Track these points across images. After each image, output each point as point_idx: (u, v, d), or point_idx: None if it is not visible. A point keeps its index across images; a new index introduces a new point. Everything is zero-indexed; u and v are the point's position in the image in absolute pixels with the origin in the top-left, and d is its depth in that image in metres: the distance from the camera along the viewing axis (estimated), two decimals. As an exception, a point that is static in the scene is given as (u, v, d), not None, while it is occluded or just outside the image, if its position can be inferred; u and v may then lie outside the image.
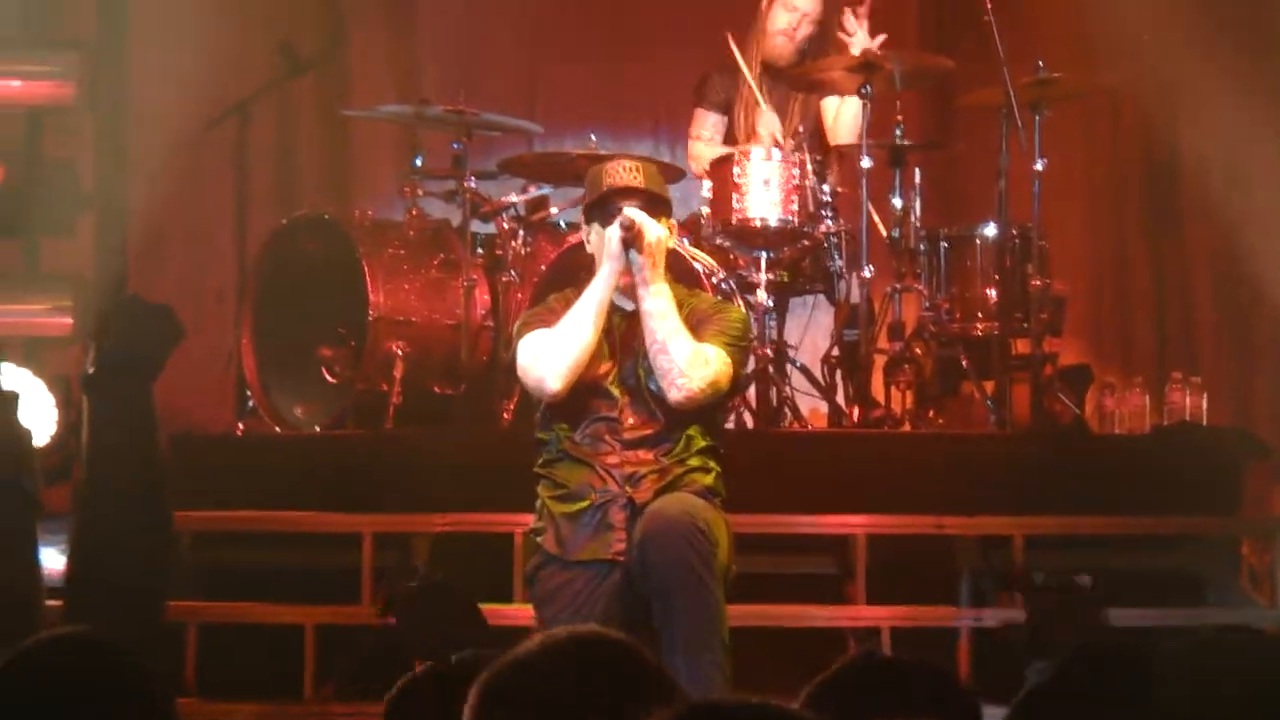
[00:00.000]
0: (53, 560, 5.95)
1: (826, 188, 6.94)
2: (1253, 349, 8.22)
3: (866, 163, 6.81)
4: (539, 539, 4.83)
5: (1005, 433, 6.83)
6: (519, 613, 5.54)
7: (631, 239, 4.75)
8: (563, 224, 7.17)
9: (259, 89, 7.79)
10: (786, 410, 6.88)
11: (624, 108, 8.87)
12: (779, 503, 6.21)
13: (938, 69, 7.28)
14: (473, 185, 7.05)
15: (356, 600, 6.14)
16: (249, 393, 7.19)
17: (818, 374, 7.11)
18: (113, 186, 7.97)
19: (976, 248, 7.07)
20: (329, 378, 7.00)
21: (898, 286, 7.04)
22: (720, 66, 7.38)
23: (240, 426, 7.25)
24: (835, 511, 6.29)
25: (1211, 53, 7.59)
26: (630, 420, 4.79)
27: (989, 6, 6.84)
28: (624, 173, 4.89)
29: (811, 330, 7.43)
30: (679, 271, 5.76)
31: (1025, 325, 6.95)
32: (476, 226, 7.16)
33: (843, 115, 7.30)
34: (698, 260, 6.64)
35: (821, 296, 7.29)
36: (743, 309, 6.01)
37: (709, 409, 4.85)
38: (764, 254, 6.82)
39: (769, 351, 6.83)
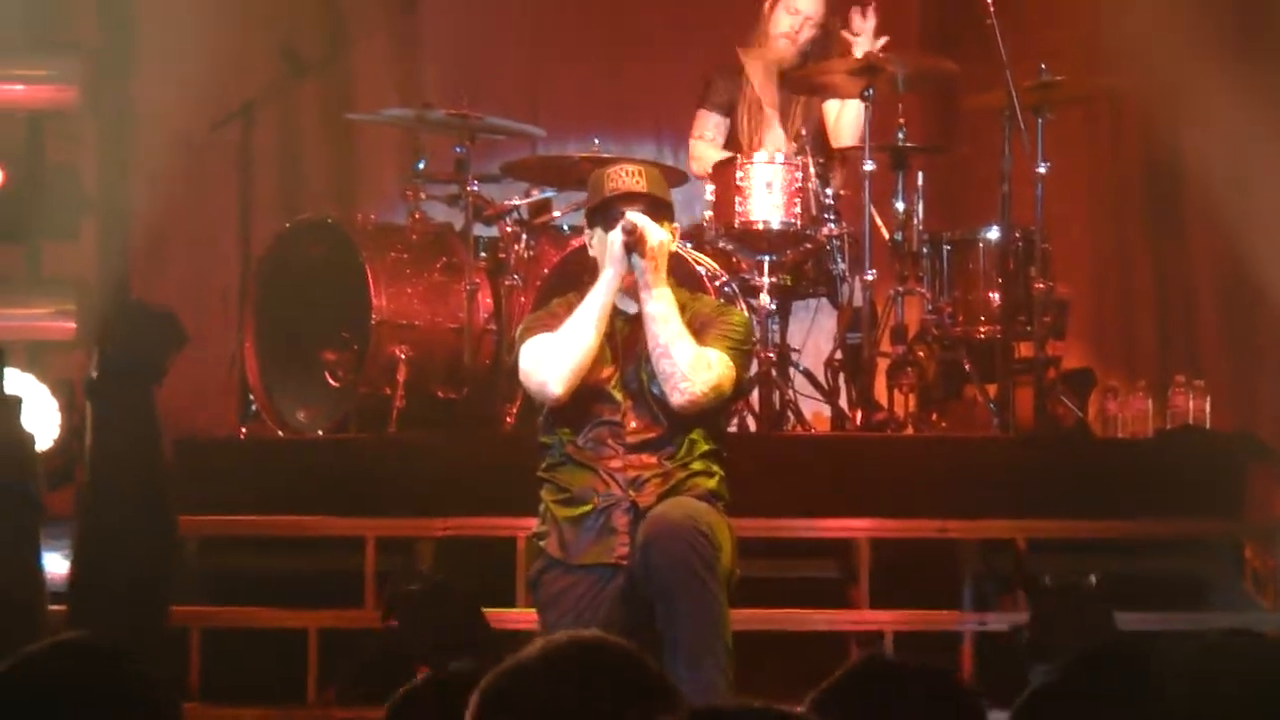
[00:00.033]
0: (56, 565, 5.94)
1: (829, 191, 6.94)
2: (1255, 352, 8.21)
3: (869, 166, 6.81)
4: (542, 543, 4.82)
5: (1008, 436, 6.82)
6: (522, 617, 5.54)
7: (634, 243, 4.75)
8: (566, 228, 7.17)
9: (262, 92, 7.78)
10: (789, 414, 6.87)
11: (626, 110, 8.86)
12: (782, 506, 6.21)
13: (940, 72, 7.28)
14: (475, 189, 7.06)
15: (359, 604, 6.13)
16: (252, 396, 7.19)
17: (820, 377, 7.10)
18: (115, 190, 7.95)
19: (979, 251, 7.07)
20: (332, 381, 6.99)
21: (900, 289, 7.02)
22: (723, 68, 7.38)
23: (243, 430, 7.24)
24: (838, 515, 6.28)
25: (1214, 55, 7.58)
26: (633, 424, 4.79)
27: (991, 9, 6.84)
28: (626, 177, 4.89)
29: (814, 333, 7.41)
30: (681, 275, 5.76)
31: (1028, 328, 6.94)
32: (479, 230, 7.16)
33: (845, 118, 7.30)
34: (700, 264, 6.64)
35: (824, 300, 7.28)
36: (745, 312, 6.00)
37: (712, 413, 4.85)
38: (767, 257, 6.82)
39: (772, 355, 6.82)
